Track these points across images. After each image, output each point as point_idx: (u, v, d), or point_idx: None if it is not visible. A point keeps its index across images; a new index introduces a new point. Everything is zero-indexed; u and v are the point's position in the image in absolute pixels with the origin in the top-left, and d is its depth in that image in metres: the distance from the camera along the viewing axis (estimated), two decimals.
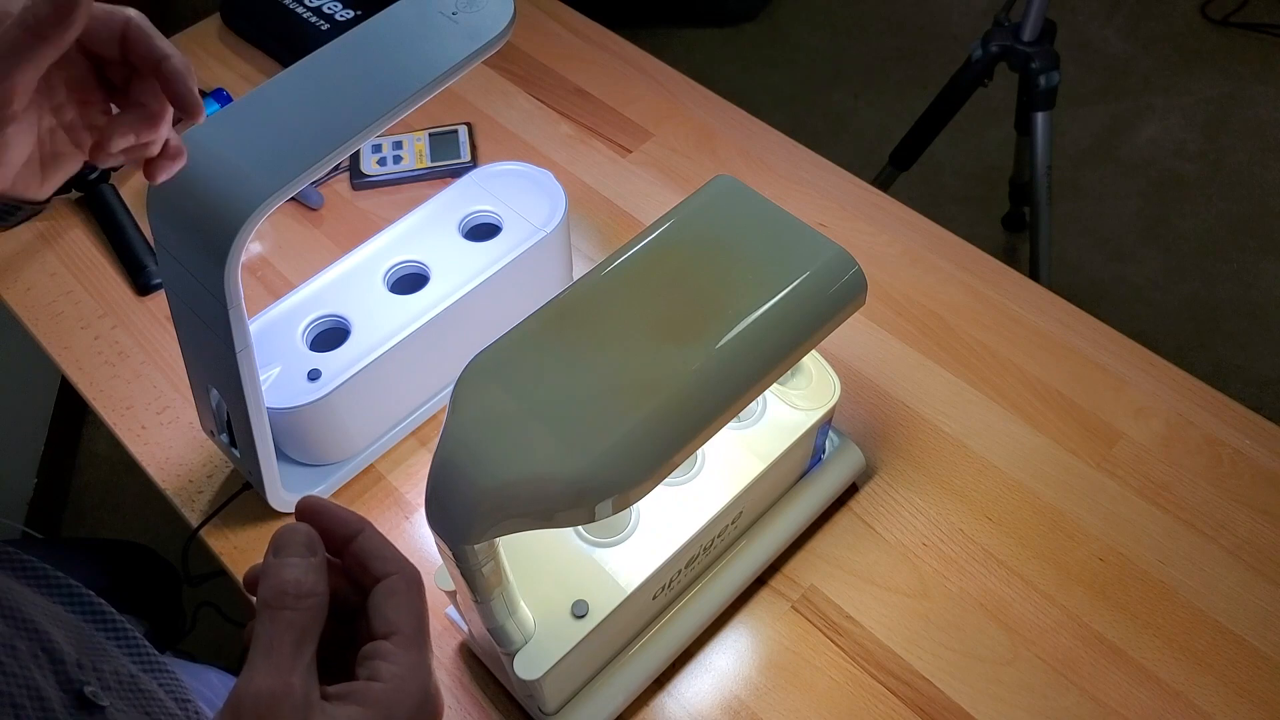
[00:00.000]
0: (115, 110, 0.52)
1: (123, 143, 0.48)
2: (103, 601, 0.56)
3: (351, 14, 1.12)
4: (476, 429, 0.51)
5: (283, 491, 0.76)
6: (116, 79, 0.50)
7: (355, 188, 1.01)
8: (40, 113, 0.49)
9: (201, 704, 0.57)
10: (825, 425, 0.73)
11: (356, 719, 0.38)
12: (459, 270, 0.79)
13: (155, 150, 0.50)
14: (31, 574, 0.54)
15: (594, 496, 0.49)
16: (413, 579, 0.43)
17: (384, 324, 0.76)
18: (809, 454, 0.75)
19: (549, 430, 0.50)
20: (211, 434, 0.76)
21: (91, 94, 0.51)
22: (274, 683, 0.37)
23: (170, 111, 0.49)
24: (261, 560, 0.41)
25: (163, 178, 0.52)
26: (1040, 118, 1.46)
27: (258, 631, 0.39)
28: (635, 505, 0.61)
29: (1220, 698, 0.69)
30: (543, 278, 0.83)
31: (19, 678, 0.42)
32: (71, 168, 0.51)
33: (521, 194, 0.83)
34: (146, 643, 0.56)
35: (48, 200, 0.52)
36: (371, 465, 0.81)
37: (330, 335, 0.77)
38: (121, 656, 0.53)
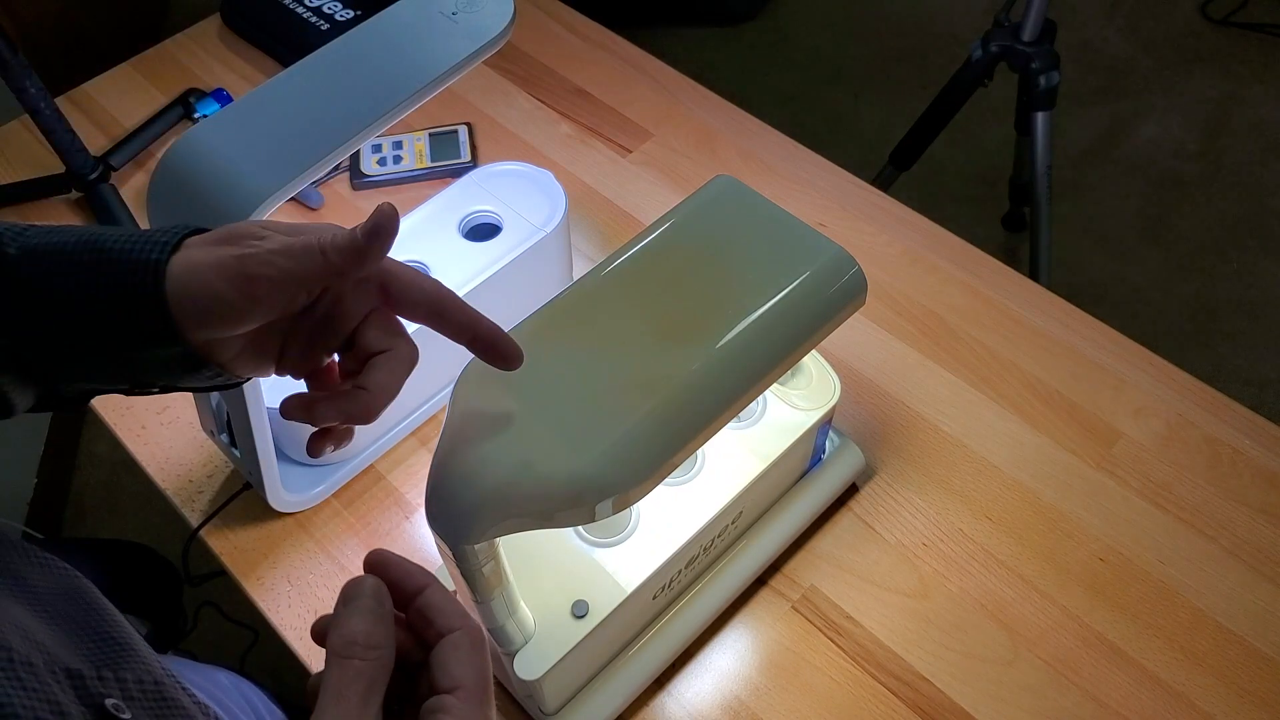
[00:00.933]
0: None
1: (329, 421, 0.49)
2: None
3: (351, 14, 1.12)
4: (476, 429, 0.51)
5: (283, 491, 0.76)
6: (360, 346, 0.50)
7: (355, 188, 1.01)
8: (282, 316, 0.48)
9: (215, 706, 0.57)
10: (825, 425, 0.73)
11: None
12: (459, 270, 0.79)
13: (348, 439, 0.51)
14: (53, 572, 0.53)
15: (594, 496, 0.49)
16: (476, 635, 0.44)
17: None
18: (809, 454, 0.75)
19: (549, 430, 0.50)
20: (211, 434, 0.76)
21: (334, 335, 0.50)
22: None
23: (384, 407, 0.49)
24: (329, 612, 0.42)
25: (319, 455, 0.52)
26: (1040, 118, 1.46)
27: (327, 679, 0.40)
28: (635, 505, 0.61)
29: (1220, 697, 0.69)
30: (543, 278, 0.83)
31: (40, 693, 0.42)
32: (256, 370, 0.51)
33: (521, 194, 0.83)
34: (148, 647, 0.56)
35: (238, 380, 0.52)
36: (371, 465, 0.81)
37: None
38: (152, 660, 0.53)
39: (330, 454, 0.51)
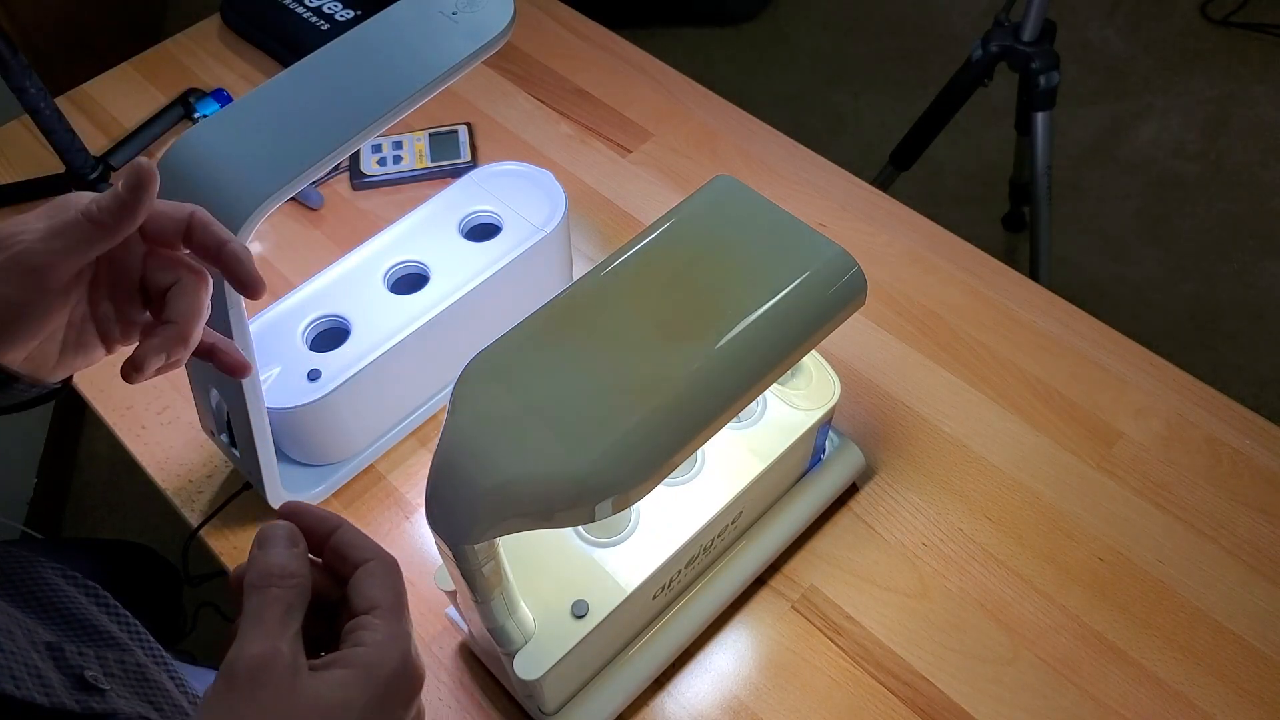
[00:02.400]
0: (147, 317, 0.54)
1: (155, 363, 0.51)
2: (109, 597, 0.56)
3: (351, 14, 1.12)
4: (476, 429, 0.51)
5: (283, 491, 0.76)
6: (154, 291, 0.53)
7: (355, 188, 1.01)
8: (76, 298, 0.51)
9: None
10: (825, 425, 0.73)
11: (341, 680, 0.40)
12: (459, 270, 0.79)
13: (179, 365, 0.53)
14: (34, 572, 0.54)
15: (594, 496, 0.49)
16: (389, 563, 0.46)
17: (384, 324, 0.76)
18: (809, 454, 0.75)
19: (549, 430, 0.50)
20: (211, 434, 0.76)
21: (130, 297, 0.53)
22: (264, 647, 0.39)
23: (197, 330, 0.52)
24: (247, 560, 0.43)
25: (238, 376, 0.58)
26: (1040, 118, 1.46)
27: (245, 609, 0.41)
28: (635, 505, 0.61)
29: (1220, 697, 0.69)
30: (543, 278, 0.83)
31: (17, 655, 0.43)
32: (88, 360, 0.53)
33: (521, 194, 0.83)
34: (157, 644, 0.56)
35: (55, 387, 0.54)
36: (371, 465, 0.81)
37: (330, 335, 0.77)
38: (135, 648, 0.54)
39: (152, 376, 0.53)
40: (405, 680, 0.43)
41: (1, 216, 1.00)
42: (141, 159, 0.47)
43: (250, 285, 0.51)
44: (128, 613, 0.57)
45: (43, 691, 0.44)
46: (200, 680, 0.73)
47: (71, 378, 0.54)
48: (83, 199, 0.48)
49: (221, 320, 0.61)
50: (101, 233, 0.47)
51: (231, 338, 0.62)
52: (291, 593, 0.42)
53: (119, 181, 0.47)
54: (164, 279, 0.52)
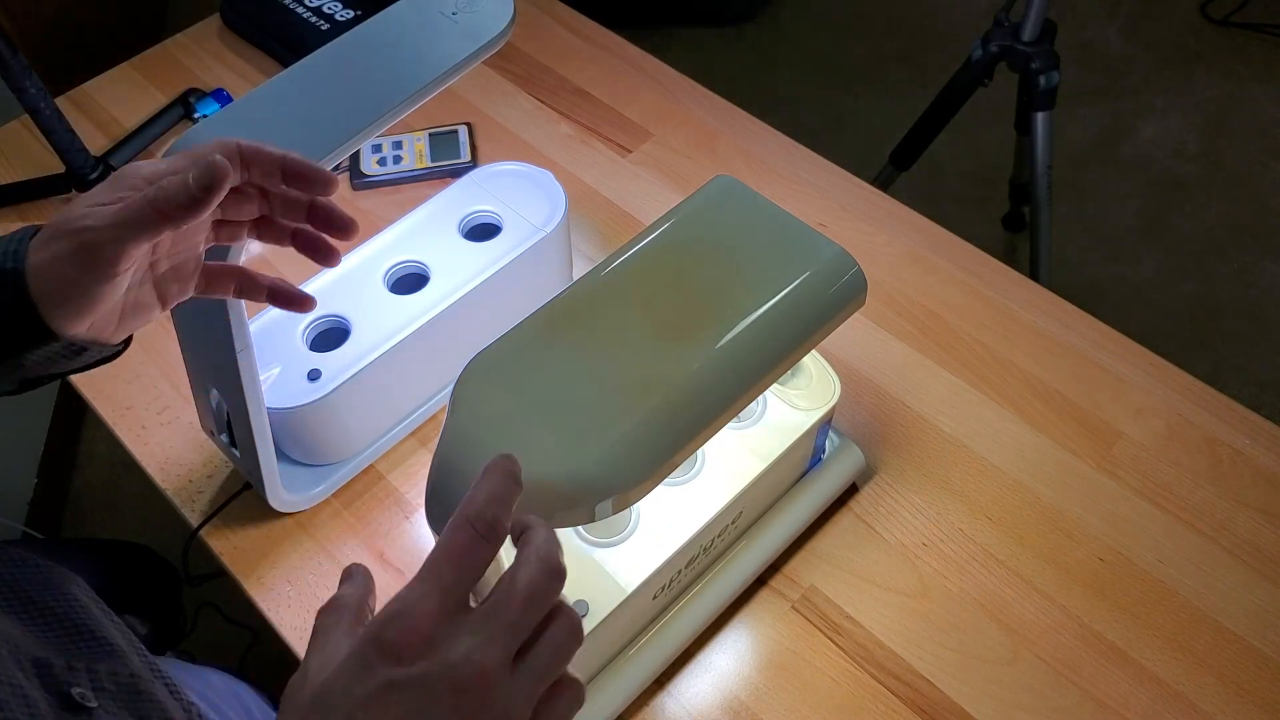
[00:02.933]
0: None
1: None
2: (100, 602, 0.56)
3: (351, 14, 1.12)
4: (476, 429, 0.51)
5: (283, 491, 0.76)
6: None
7: (355, 188, 1.01)
8: (138, 270, 0.51)
9: (204, 705, 0.57)
10: (825, 425, 0.73)
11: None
12: (459, 270, 0.79)
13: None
14: (34, 573, 0.54)
15: (594, 496, 0.49)
16: (543, 553, 0.42)
17: (384, 324, 0.76)
18: (809, 454, 0.75)
19: (549, 430, 0.50)
20: (211, 434, 0.76)
21: (190, 262, 0.54)
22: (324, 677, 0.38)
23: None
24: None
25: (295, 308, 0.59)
26: (1040, 118, 1.46)
27: (312, 638, 0.41)
28: (635, 505, 0.61)
29: (1220, 698, 0.69)
30: (543, 278, 0.83)
31: (2, 678, 0.43)
32: (146, 319, 0.53)
33: (521, 194, 0.83)
34: (142, 646, 0.56)
35: (120, 347, 0.55)
36: (371, 465, 0.81)
37: (330, 335, 0.77)
38: (131, 655, 0.53)
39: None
40: (468, 697, 0.37)
41: (1, 217, 1.00)
42: (217, 157, 0.46)
43: (345, 226, 0.54)
44: (128, 617, 0.57)
45: (28, 713, 0.44)
46: (199, 679, 0.73)
47: (132, 336, 0.55)
48: (148, 174, 0.48)
49: (220, 319, 0.61)
50: (168, 225, 0.47)
51: (231, 338, 0.62)
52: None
53: (191, 171, 0.46)
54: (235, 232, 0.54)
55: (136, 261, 0.48)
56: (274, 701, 0.79)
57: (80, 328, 0.49)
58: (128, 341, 0.55)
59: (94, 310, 0.48)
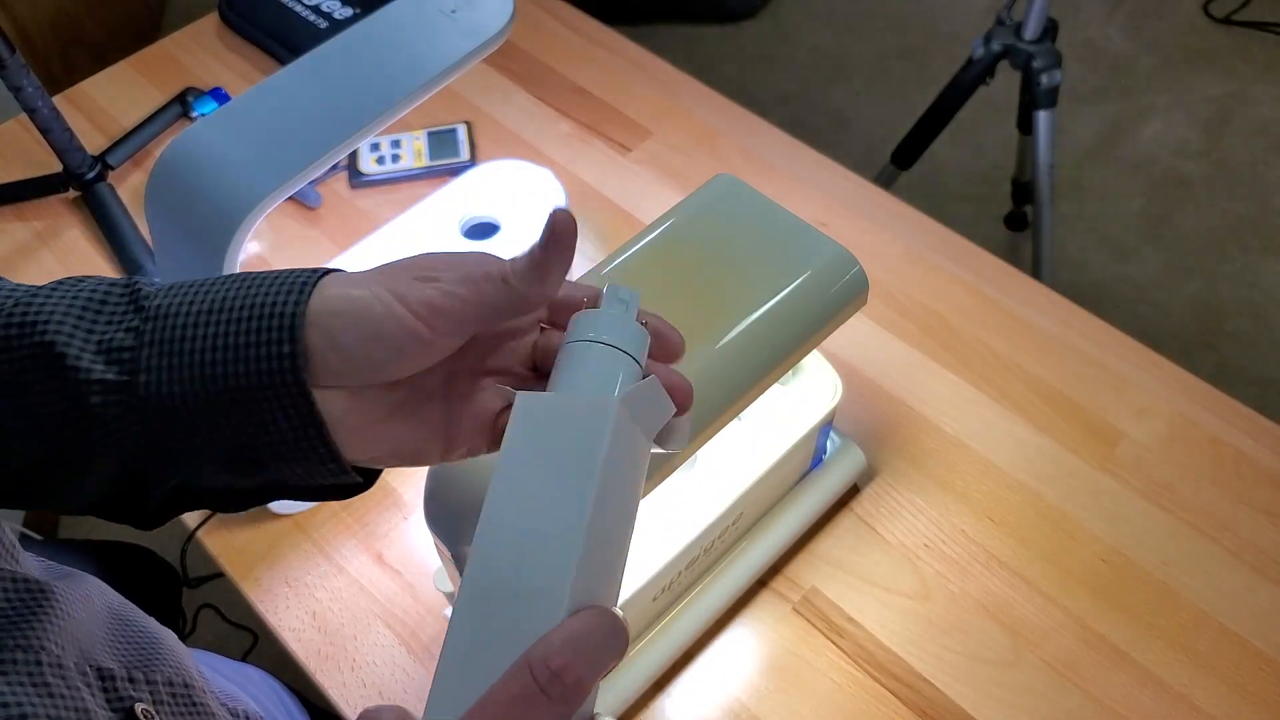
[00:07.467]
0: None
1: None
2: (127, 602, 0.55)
3: (350, 12, 1.12)
4: None
5: None
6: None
7: (354, 186, 1.01)
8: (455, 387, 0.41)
9: (255, 705, 0.56)
10: (826, 426, 0.72)
11: None
12: None
13: None
14: (73, 573, 0.53)
15: None
16: None
17: None
18: (810, 455, 0.74)
19: None
20: None
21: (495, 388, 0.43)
22: None
23: None
24: None
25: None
26: (1042, 116, 1.45)
27: None
28: None
29: (1223, 699, 0.68)
30: None
31: (68, 699, 0.41)
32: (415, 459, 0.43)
33: (521, 193, 0.83)
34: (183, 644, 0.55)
35: (365, 484, 0.43)
36: None
37: None
38: (185, 659, 0.52)
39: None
40: None
41: None
42: (560, 207, 0.37)
43: (677, 351, 0.41)
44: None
45: None
46: (239, 673, 0.72)
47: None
48: (493, 260, 0.38)
49: None
50: (514, 299, 0.37)
51: None
52: None
53: (535, 241, 0.37)
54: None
55: (460, 341, 0.39)
56: (303, 700, 0.79)
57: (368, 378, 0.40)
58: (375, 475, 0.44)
59: (392, 368, 0.39)
